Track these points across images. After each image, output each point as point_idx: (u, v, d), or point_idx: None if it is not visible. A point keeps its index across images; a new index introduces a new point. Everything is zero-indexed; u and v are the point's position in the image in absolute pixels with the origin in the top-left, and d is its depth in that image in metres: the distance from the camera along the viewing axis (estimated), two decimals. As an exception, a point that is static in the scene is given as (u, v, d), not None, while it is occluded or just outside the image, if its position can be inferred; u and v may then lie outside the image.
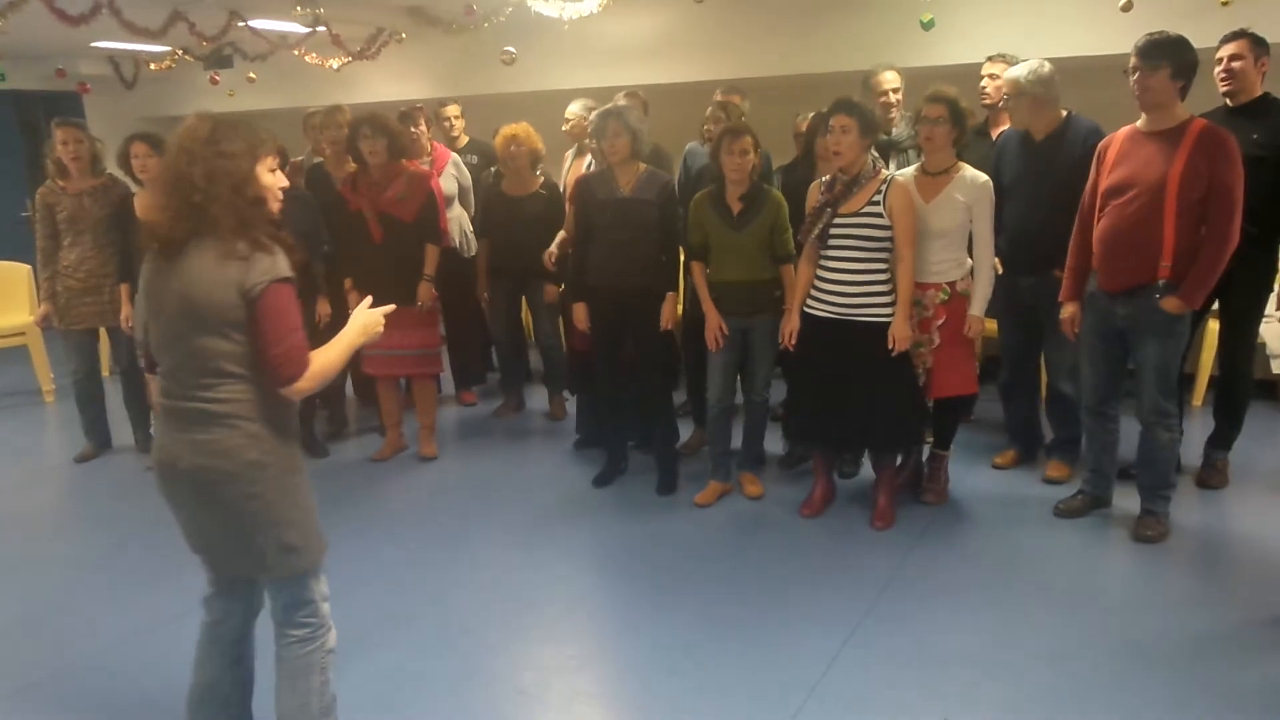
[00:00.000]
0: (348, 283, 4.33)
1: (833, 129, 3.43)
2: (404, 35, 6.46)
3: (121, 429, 4.85)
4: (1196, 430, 4.14)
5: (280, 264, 1.97)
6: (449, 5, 6.01)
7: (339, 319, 4.27)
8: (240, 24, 6.00)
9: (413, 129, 4.75)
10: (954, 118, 3.49)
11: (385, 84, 7.16)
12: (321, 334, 4.19)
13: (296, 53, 6.74)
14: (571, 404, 4.91)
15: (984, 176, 3.54)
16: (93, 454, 4.77)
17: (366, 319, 2.17)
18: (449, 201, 4.95)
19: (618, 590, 3.32)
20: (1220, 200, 3.12)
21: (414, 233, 4.26)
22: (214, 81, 7.27)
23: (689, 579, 3.34)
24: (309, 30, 6.08)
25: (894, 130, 4.42)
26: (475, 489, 4.24)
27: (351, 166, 4.55)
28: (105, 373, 4.93)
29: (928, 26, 4.61)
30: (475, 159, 5.36)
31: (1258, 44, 3.53)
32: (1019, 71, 3.67)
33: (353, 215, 4.26)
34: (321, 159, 4.92)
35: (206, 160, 1.93)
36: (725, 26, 5.54)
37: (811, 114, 4.13)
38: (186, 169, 1.93)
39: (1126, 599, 3.15)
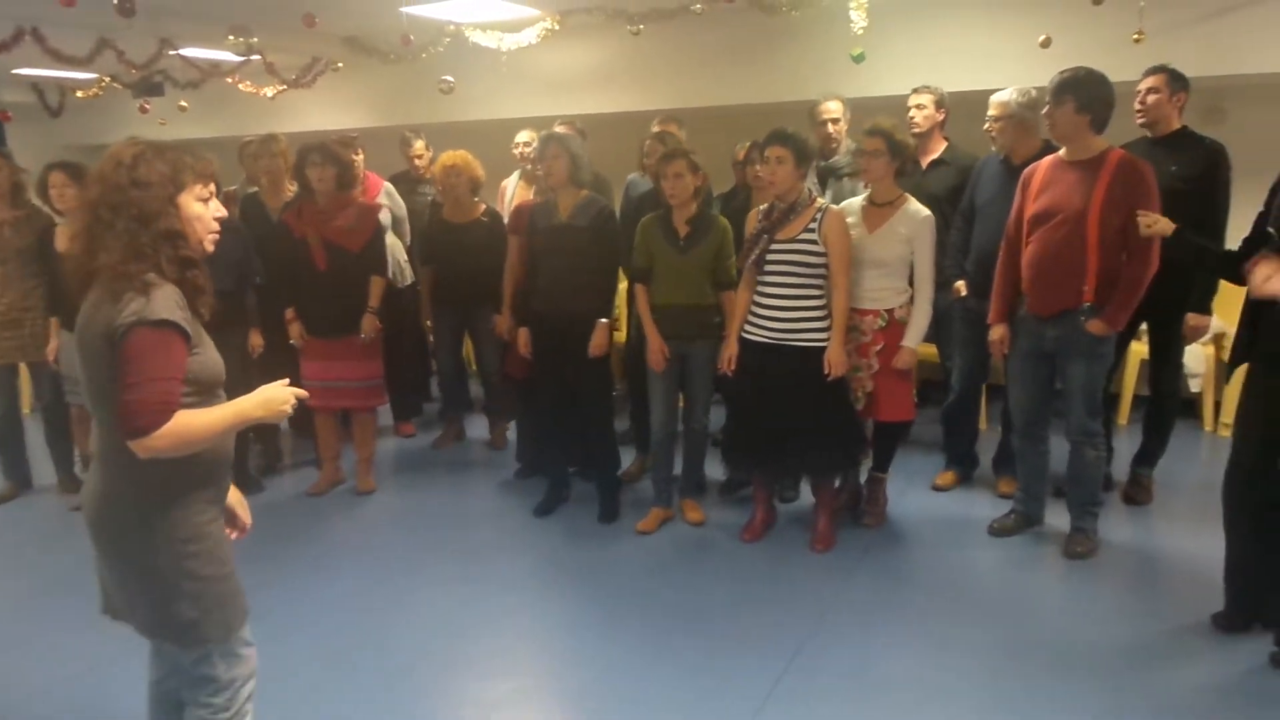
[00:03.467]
0: (289, 312, 4.25)
1: (768, 159, 3.50)
2: (340, 64, 6.42)
3: (43, 468, 4.67)
4: (1123, 448, 4.26)
5: (156, 306, 1.74)
6: (386, 35, 6.00)
7: (277, 350, 4.23)
8: (171, 52, 5.90)
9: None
10: (891, 150, 3.57)
11: (322, 113, 7.10)
12: (254, 365, 4.10)
13: (230, 81, 6.65)
14: (512, 432, 4.87)
15: (926, 211, 3.63)
16: (12, 494, 4.59)
17: (274, 394, 1.91)
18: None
19: (561, 620, 3.29)
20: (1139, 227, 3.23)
21: (360, 263, 4.21)
22: (144, 110, 7.12)
23: (633, 606, 3.32)
24: (243, 59, 6.01)
25: (835, 157, 4.51)
26: (414, 522, 4.17)
27: (288, 194, 4.49)
28: (26, 410, 4.75)
29: (858, 60, 4.74)
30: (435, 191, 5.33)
31: (1175, 79, 3.69)
32: (1008, 95, 3.78)
33: (296, 243, 4.19)
34: (256, 188, 4.85)
35: (119, 189, 1.78)
36: (662, 57, 5.62)
37: (749, 143, 4.20)
38: (97, 198, 1.81)
39: (1059, 614, 3.21)
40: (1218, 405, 4.95)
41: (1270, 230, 2.68)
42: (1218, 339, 4.78)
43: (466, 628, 3.21)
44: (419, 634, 3.18)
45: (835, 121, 4.46)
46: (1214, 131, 3.84)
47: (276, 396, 1.91)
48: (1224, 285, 3.33)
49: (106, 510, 1.86)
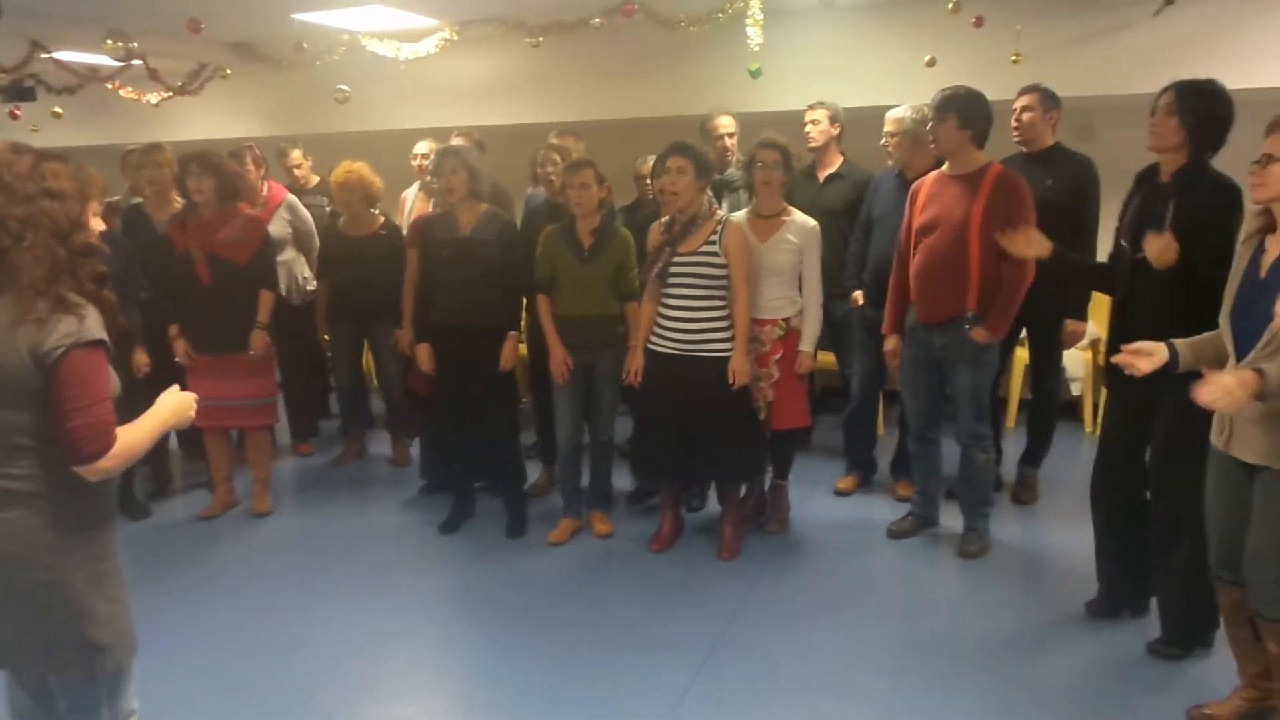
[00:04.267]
0: (173, 329, 4.07)
1: (669, 170, 3.54)
2: (229, 71, 6.20)
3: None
4: (1011, 449, 4.47)
5: (89, 326, 1.72)
6: (278, 42, 5.83)
7: (161, 369, 4.05)
8: (43, 55, 5.60)
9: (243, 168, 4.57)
10: (785, 163, 3.67)
11: (210, 121, 6.84)
12: (140, 385, 3.91)
13: (110, 86, 6.34)
14: (416, 448, 4.79)
15: (812, 221, 3.75)
16: None
17: (178, 401, 1.93)
18: (279, 247, 4.77)
19: (468, 638, 3.24)
20: (1016, 238, 3.40)
21: (247, 277, 4.07)
22: (14, 116, 6.73)
23: (541, 621, 3.30)
24: (122, 64, 5.73)
25: (728, 171, 4.60)
26: (313, 543, 4.04)
27: (174, 206, 4.31)
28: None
29: (755, 75, 4.84)
30: (325, 201, 5.21)
31: (1048, 98, 3.91)
32: (903, 112, 3.91)
33: (179, 257, 4.02)
34: (140, 200, 4.64)
35: (30, 200, 1.70)
36: (562, 70, 5.63)
37: (652, 157, 4.24)
38: (4, 209, 1.70)
39: (954, 611, 3.34)
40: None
41: (1122, 243, 2.86)
42: (1094, 344, 5.06)
43: (368, 651, 3.13)
44: (318, 659, 3.08)
45: (731, 136, 4.55)
46: (1084, 148, 4.08)
47: (183, 401, 1.94)
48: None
49: (15, 543, 1.75)
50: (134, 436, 1.80)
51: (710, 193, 3.71)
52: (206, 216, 4.01)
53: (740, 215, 3.81)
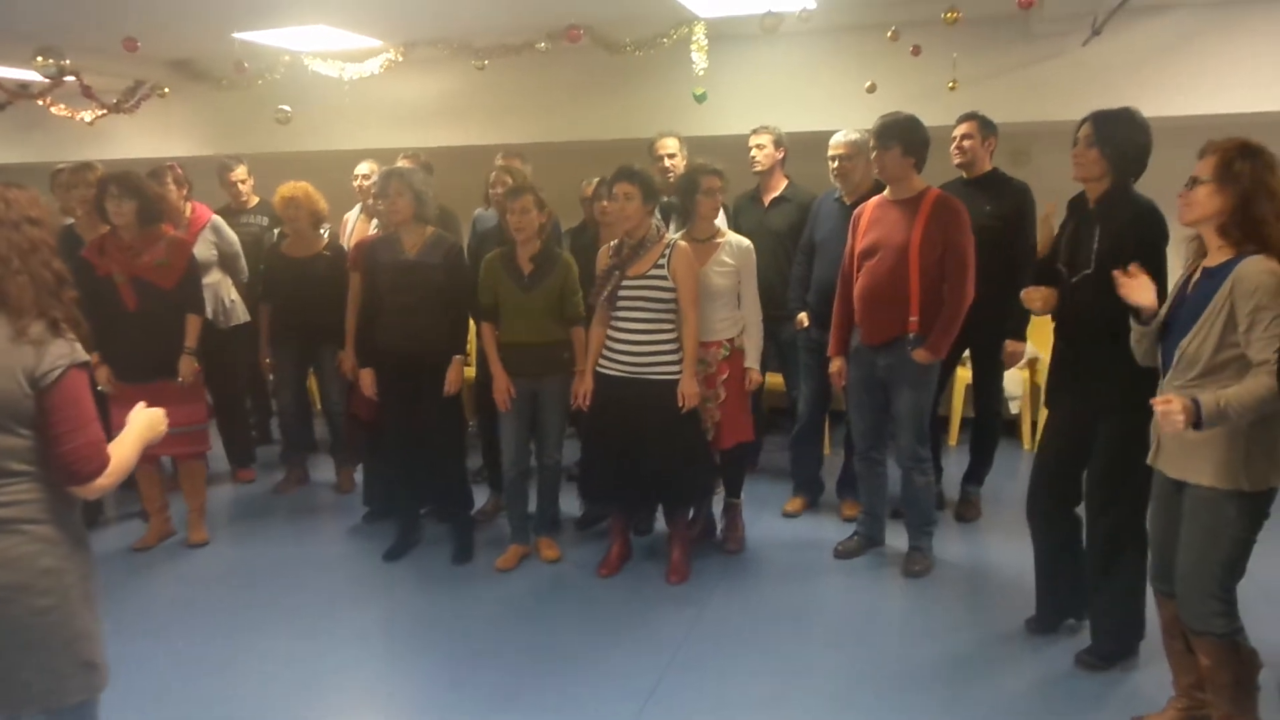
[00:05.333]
0: (94, 356, 3.93)
1: (616, 195, 3.55)
2: (166, 90, 6.07)
3: None
4: (953, 468, 4.53)
5: (78, 349, 1.81)
6: (218, 60, 5.72)
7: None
8: (-31, 71, 5.43)
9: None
10: (723, 187, 3.73)
11: (146, 139, 6.67)
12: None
13: (41, 103, 6.16)
14: (360, 474, 4.70)
15: (746, 241, 3.80)
16: None
17: (150, 418, 2.00)
18: (204, 269, 4.64)
19: (411, 671, 3.17)
20: (955, 261, 3.48)
21: (174, 302, 3.97)
22: (-61, 133, 6.51)
23: (488, 650, 3.25)
24: (53, 80, 5.57)
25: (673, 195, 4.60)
26: (253, 575, 3.94)
27: (105, 228, 4.19)
28: None
29: (700, 99, 4.89)
30: (265, 220, 5.13)
31: (986, 125, 4.03)
32: (853, 135, 3.95)
33: (101, 281, 3.90)
34: (72, 220, 4.50)
35: (14, 226, 1.77)
36: (509, 92, 5.62)
37: (597, 180, 4.25)
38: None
39: (901, 632, 3.37)
40: (1035, 425, 5.35)
41: (1060, 268, 2.93)
42: (1032, 363, 5.18)
43: (309, 686, 3.05)
44: (256, 696, 2.98)
45: (672, 157, 4.57)
46: (1019, 172, 4.20)
47: (155, 420, 2.00)
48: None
49: (13, 571, 1.76)
50: (123, 454, 1.87)
51: (659, 215, 3.73)
52: (129, 240, 3.91)
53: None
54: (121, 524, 4.50)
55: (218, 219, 4.89)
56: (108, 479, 1.82)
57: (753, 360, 3.79)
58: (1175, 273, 2.57)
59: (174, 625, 3.47)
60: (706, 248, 3.75)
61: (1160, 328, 2.45)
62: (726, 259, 3.73)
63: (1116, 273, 2.51)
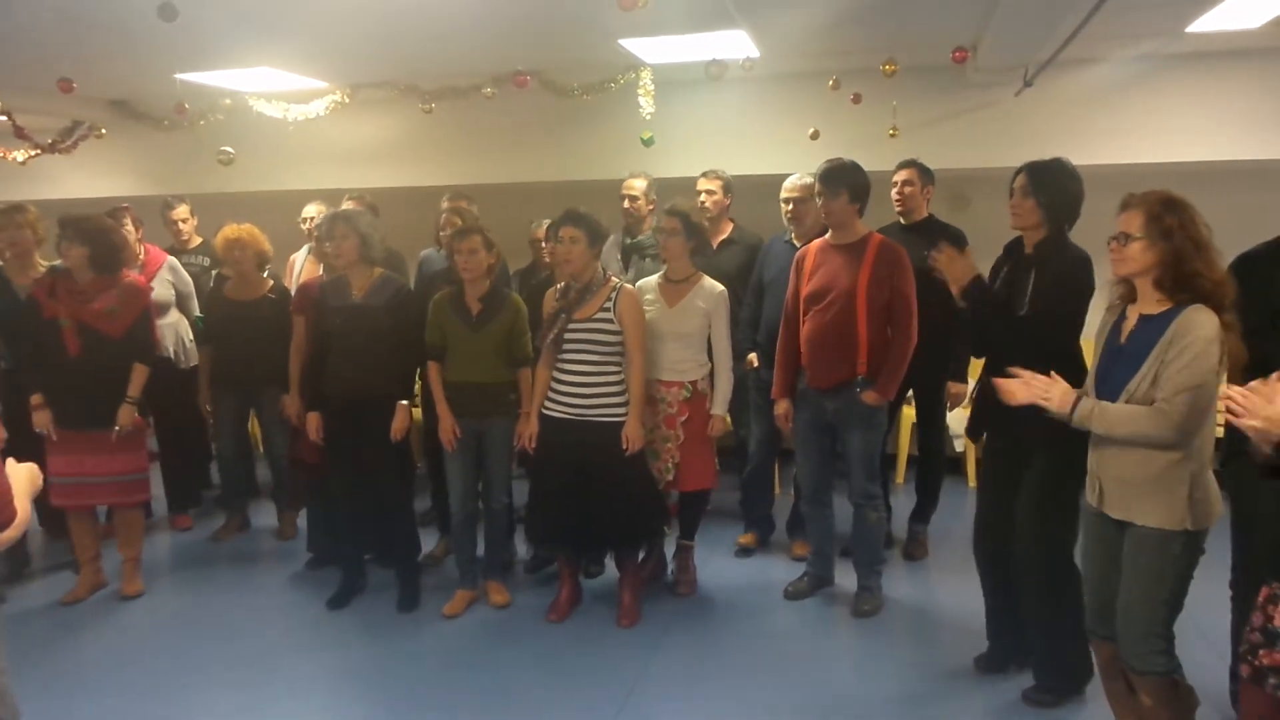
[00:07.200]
0: (35, 398, 3.82)
1: (562, 238, 3.56)
2: (104, 130, 5.96)
3: None
4: (900, 507, 4.59)
5: None
6: (158, 100, 5.64)
7: (20, 440, 3.77)
8: (-103, 109, 5.26)
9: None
10: (687, 230, 3.75)
11: (84, 179, 6.53)
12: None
13: (-30, 142, 6.00)
14: (303, 520, 4.59)
15: (720, 286, 3.82)
16: None
17: (28, 473, 1.88)
18: (164, 309, 4.59)
19: (357, 723, 3.09)
20: (900, 304, 3.56)
21: (121, 350, 3.86)
22: None
23: (436, 699, 3.18)
24: (-16, 120, 5.44)
25: (640, 236, 4.63)
26: (190, 626, 3.81)
27: (37, 270, 4.09)
28: None
29: (648, 143, 4.96)
30: (206, 261, 5.05)
31: (924, 172, 4.17)
32: (809, 179, 3.99)
33: (45, 323, 3.79)
34: (1, 262, 4.37)
35: None
36: (456, 133, 5.63)
37: (547, 221, 4.26)
38: None
39: (852, 672, 3.38)
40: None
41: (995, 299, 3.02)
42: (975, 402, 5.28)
43: (250, 741, 2.95)
44: (194, 754, 2.88)
45: (634, 199, 4.60)
46: (958, 218, 4.33)
47: (32, 475, 1.89)
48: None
49: None
50: (23, 505, 1.78)
51: (619, 256, 3.74)
52: (82, 284, 3.81)
53: (653, 280, 3.87)
54: (49, 575, 4.33)
55: (173, 259, 4.85)
56: (16, 530, 1.75)
57: (719, 407, 3.79)
58: (1097, 312, 2.67)
59: (107, 681, 3.33)
60: (679, 289, 3.78)
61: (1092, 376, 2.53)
62: (699, 302, 3.76)
63: (998, 381, 2.62)
